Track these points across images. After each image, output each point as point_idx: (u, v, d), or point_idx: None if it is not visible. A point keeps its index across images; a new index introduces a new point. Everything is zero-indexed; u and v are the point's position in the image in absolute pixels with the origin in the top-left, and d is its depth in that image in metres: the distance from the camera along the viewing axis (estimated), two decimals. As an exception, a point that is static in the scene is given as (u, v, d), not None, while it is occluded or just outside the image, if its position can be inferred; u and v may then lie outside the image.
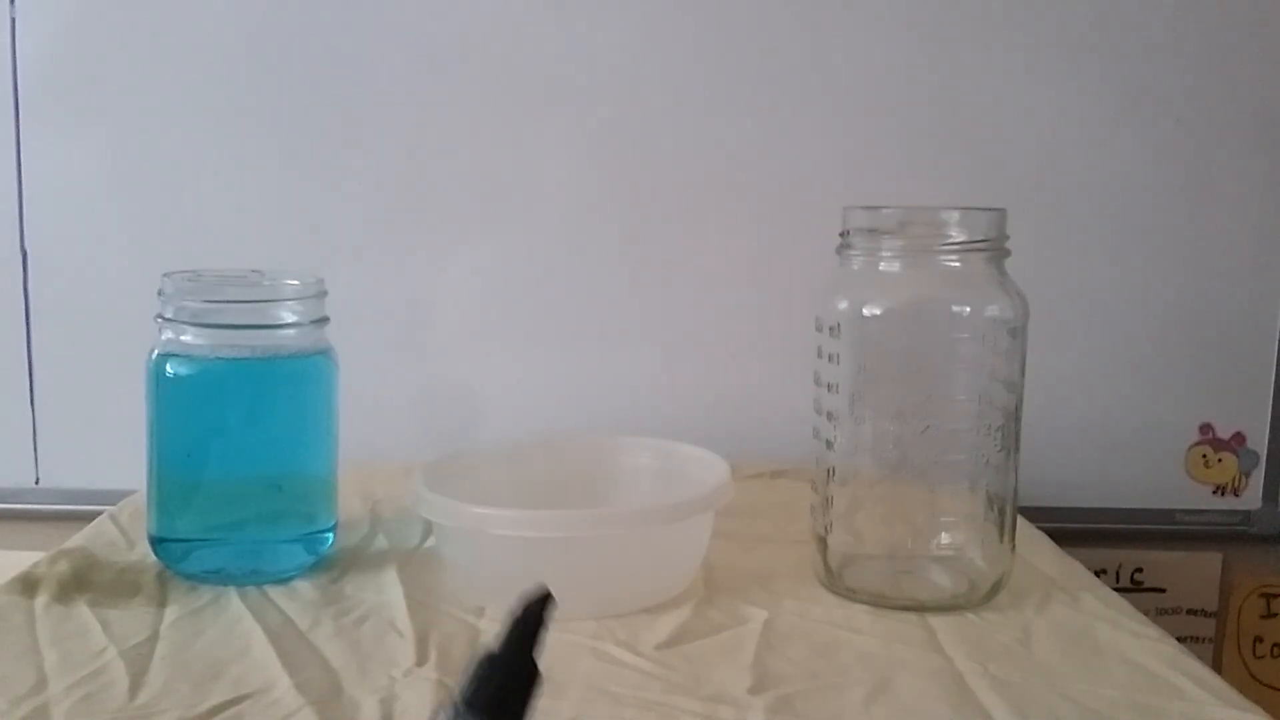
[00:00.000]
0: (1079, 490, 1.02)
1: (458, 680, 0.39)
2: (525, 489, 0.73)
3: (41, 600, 0.65)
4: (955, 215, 0.66)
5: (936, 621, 0.63)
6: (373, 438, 0.86)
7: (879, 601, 0.66)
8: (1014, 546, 0.68)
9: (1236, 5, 0.97)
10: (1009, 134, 0.99)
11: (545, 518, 0.64)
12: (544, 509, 0.65)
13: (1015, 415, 0.66)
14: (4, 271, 0.99)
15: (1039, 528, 0.81)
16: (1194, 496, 1.03)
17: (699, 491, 0.67)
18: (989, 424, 0.65)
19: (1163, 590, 1.04)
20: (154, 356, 0.69)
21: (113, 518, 0.80)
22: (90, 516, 0.81)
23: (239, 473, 0.69)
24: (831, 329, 0.67)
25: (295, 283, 0.71)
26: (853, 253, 0.67)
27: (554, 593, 0.40)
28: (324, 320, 0.72)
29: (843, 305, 0.67)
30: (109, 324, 0.98)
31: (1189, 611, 1.05)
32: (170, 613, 0.64)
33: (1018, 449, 0.67)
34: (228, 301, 0.70)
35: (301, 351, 0.71)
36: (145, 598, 0.66)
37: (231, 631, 0.62)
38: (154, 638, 0.60)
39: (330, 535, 0.72)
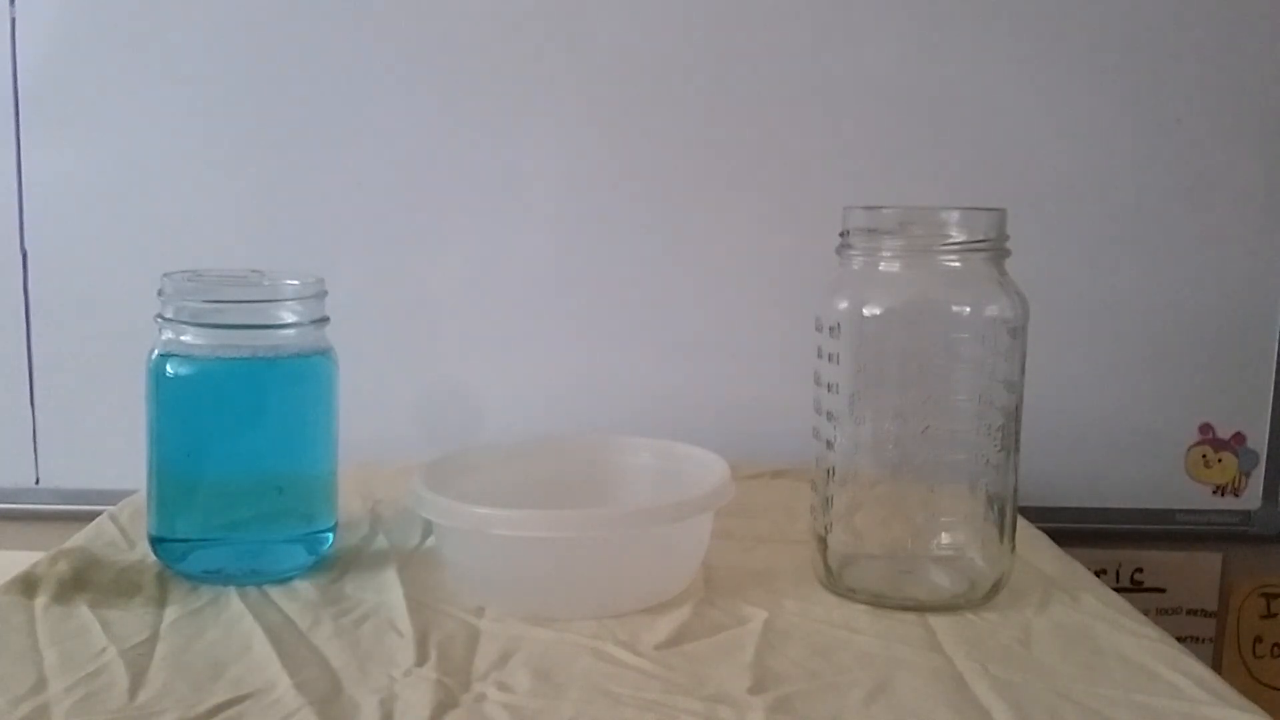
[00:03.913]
0: (1079, 490, 1.02)
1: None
2: (525, 489, 0.73)
3: (41, 600, 0.65)
4: (955, 215, 0.66)
5: (936, 621, 0.63)
6: (373, 438, 0.86)
7: (879, 601, 0.66)
8: (1014, 546, 0.68)
9: (1236, 5, 0.97)
10: (1009, 134, 0.99)
11: (545, 518, 0.64)
12: (544, 509, 0.65)
13: (1015, 415, 0.66)
14: (4, 271, 0.99)
15: (1039, 528, 0.81)
16: (1194, 496, 1.03)
17: (699, 491, 0.67)
18: (989, 424, 0.65)
19: (1163, 590, 1.04)
20: (154, 356, 0.69)
21: (113, 518, 0.80)
22: (90, 516, 0.80)
23: (239, 473, 0.69)
24: (831, 329, 0.67)
25: (295, 283, 0.71)
26: (853, 253, 0.67)
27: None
28: (324, 320, 0.72)
29: (843, 305, 0.67)
30: (109, 324, 0.98)
31: (1189, 611, 1.05)
32: (170, 613, 0.64)
33: (1018, 449, 0.67)
34: (228, 301, 0.70)
35: (301, 351, 0.70)
36: (145, 598, 0.66)
37: (231, 631, 0.62)
38: (154, 638, 0.60)
39: (330, 535, 0.72)
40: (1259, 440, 1.02)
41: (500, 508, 0.64)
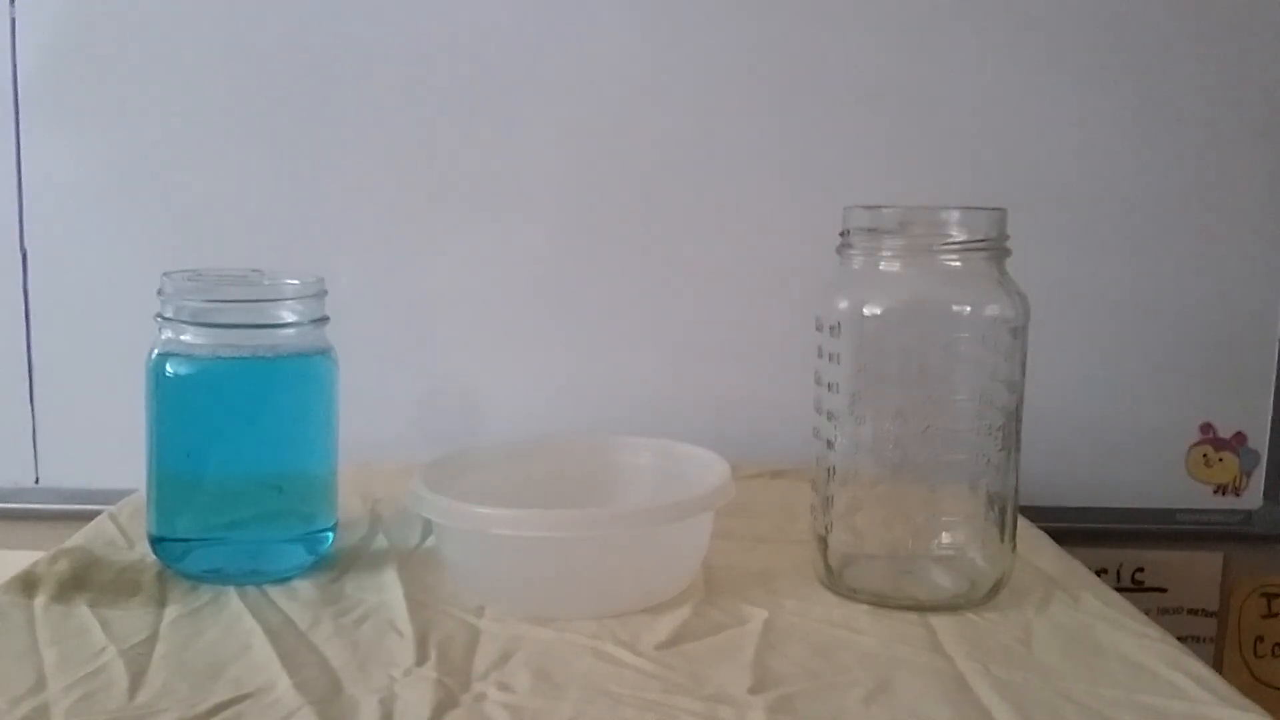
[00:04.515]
0: (1079, 490, 1.01)
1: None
2: (525, 489, 0.73)
3: (41, 600, 0.65)
4: (955, 215, 0.66)
5: (937, 621, 0.63)
6: (373, 438, 0.86)
7: (879, 601, 0.66)
8: (1014, 546, 0.68)
9: (1237, 5, 0.97)
10: (1009, 134, 0.99)
11: (545, 518, 0.64)
12: (544, 509, 0.65)
13: (1015, 415, 0.66)
14: (4, 271, 0.99)
15: (1039, 527, 0.81)
16: (1195, 496, 1.03)
17: (699, 491, 0.67)
18: (989, 424, 0.65)
19: (1163, 590, 1.04)
20: (154, 356, 0.69)
21: (113, 517, 0.80)
22: (90, 516, 0.81)
23: (239, 473, 0.69)
24: (831, 329, 0.67)
25: (295, 283, 0.71)
26: (853, 252, 0.67)
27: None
28: (324, 320, 0.72)
29: (843, 305, 0.67)
30: (109, 324, 0.98)
31: (1190, 611, 1.05)
32: (170, 612, 0.64)
33: (1018, 449, 0.67)
34: (228, 301, 0.70)
35: (301, 351, 0.71)
36: (145, 597, 0.66)
37: (231, 631, 0.62)
38: (154, 638, 0.60)
39: (330, 535, 0.72)
40: (1260, 439, 1.02)
41: (500, 508, 0.64)
